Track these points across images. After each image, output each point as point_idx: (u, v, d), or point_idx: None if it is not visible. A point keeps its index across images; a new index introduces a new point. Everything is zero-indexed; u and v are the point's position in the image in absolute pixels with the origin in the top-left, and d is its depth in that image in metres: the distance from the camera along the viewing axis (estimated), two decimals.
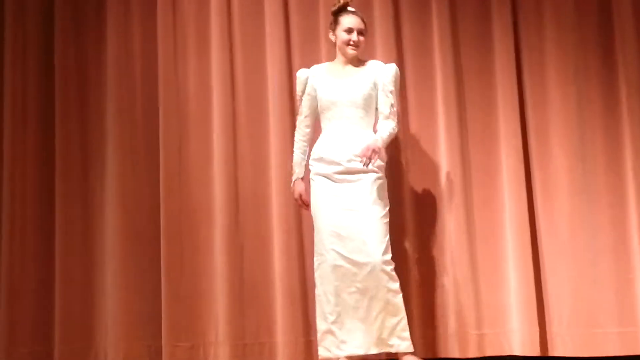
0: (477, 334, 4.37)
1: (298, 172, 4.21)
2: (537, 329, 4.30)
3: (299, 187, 4.19)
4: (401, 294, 3.95)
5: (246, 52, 4.67)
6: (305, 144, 4.21)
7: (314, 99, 4.17)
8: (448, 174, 4.49)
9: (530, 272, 4.35)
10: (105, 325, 4.55)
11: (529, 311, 4.31)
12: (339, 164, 4.02)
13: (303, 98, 4.21)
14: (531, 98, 4.53)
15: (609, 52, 4.54)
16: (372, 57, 4.38)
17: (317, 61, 4.45)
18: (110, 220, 4.61)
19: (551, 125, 4.50)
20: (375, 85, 4.11)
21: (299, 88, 4.24)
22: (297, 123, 4.26)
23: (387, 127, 4.06)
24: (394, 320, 3.91)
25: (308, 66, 4.32)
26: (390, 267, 3.94)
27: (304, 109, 4.22)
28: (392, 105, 4.10)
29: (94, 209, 4.67)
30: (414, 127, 4.58)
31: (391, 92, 4.10)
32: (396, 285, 3.94)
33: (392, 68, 4.15)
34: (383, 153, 4.07)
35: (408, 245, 4.45)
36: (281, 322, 4.45)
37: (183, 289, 4.53)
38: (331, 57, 4.31)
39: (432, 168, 4.55)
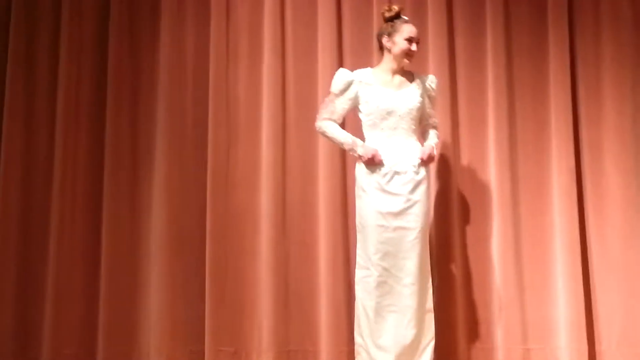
0: (523, 349, 4.38)
1: (357, 141, 4.03)
2: (585, 346, 4.31)
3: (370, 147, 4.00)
4: (433, 313, 3.97)
5: (298, 59, 4.67)
6: None
7: (352, 104, 4.07)
8: (497, 188, 4.50)
9: (580, 289, 4.36)
10: (149, 328, 4.51)
11: (578, 328, 4.32)
12: (398, 174, 3.99)
13: (340, 99, 4.06)
14: (585, 113, 4.54)
15: None
16: (425, 70, 4.40)
17: None
18: (156, 223, 4.58)
19: (605, 140, 4.51)
20: (423, 97, 4.12)
21: (338, 87, 4.06)
22: (324, 116, 4.06)
23: (435, 135, 4.19)
24: (425, 341, 3.95)
25: None
26: (430, 287, 3.97)
27: (338, 109, 4.05)
28: (434, 116, 4.20)
29: (141, 211, 4.63)
30: (464, 140, 4.59)
31: (434, 103, 4.21)
32: (431, 304, 3.97)
33: (436, 80, 4.20)
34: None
35: (455, 258, 4.44)
36: (325, 330, 4.45)
37: (227, 294, 4.51)
38: None
39: (481, 182, 4.55)
